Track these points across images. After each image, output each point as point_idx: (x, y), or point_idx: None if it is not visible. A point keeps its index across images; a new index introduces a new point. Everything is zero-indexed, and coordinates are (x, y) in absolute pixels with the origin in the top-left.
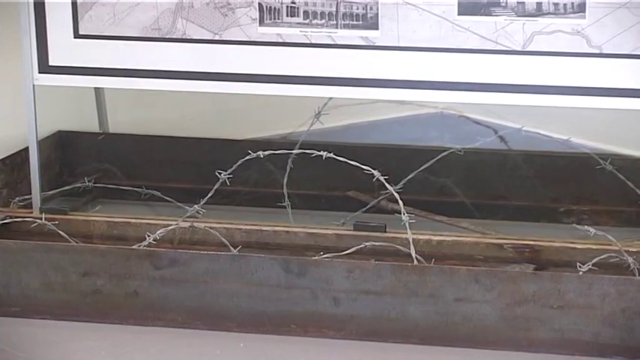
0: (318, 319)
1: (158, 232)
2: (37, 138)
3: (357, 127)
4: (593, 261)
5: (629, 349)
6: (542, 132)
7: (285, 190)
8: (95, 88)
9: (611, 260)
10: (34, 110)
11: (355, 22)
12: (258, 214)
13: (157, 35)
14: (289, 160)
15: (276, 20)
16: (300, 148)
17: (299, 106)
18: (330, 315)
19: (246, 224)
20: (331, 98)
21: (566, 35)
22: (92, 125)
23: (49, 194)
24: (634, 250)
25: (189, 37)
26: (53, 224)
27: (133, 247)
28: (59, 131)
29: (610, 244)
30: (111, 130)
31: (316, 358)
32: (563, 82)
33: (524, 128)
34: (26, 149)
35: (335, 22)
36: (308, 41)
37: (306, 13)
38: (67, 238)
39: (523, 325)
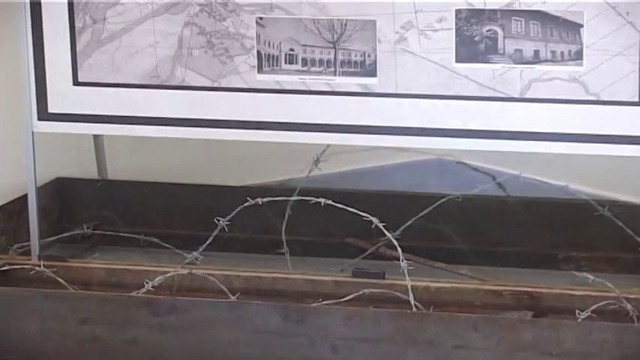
0: None
1: (157, 279)
2: (35, 185)
3: (355, 174)
4: (592, 308)
5: None
6: (540, 178)
7: (283, 237)
8: (94, 134)
9: (610, 307)
10: (33, 157)
11: (353, 70)
12: (257, 261)
13: (156, 83)
14: (288, 207)
15: (275, 67)
16: (298, 195)
17: (298, 152)
18: None
19: (245, 271)
20: (329, 145)
21: (563, 82)
22: (91, 172)
23: (48, 241)
24: (633, 296)
25: (188, 85)
26: (52, 271)
27: (132, 294)
28: (58, 178)
29: (609, 291)
30: (110, 177)
31: None
32: (561, 129)
33: (522, 175)
34: (25, 196)
35: (333, 69)
36: (306, 88)
37: (304, 60)
38: (66, 285)
39: None
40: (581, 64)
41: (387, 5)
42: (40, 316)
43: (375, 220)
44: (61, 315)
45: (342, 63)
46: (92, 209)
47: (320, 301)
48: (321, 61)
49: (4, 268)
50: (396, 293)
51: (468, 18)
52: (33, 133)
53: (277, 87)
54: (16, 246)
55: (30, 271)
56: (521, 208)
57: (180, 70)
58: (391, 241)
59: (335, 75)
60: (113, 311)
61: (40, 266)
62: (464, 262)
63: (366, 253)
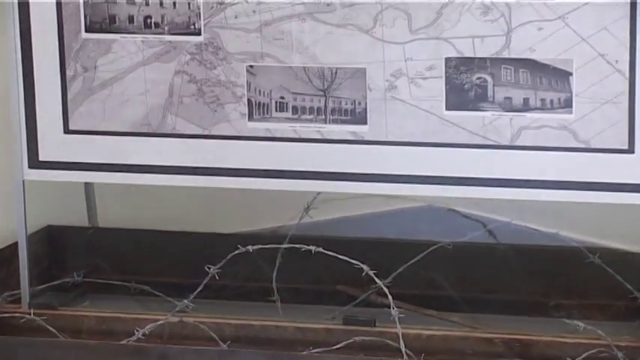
0: None
1: (147, 327)
2: (26, 233)
3: (346, 221)
4: (583, 356)
5: None
6: (530, 225)
7: (274, 285)
8: (85, 182)
9: (601, 355)
10: (24, 205)
11: (344, 117)
12: (248, 309)
13: (146, 130)
14: (278, 255)
15: (265, 115)
16: (289, 242)
17: (288, 199)
18: None
19: (236, 319)
20: (320, 192)
21: (553, 130)
22: (81, 219)
23: (38, 289)
24: (624, 344)
25: (178, 133)
26: (42, 319)
27: (122, 342)
28: (48, 226)
29: (600, 339)
30: (100, 225)
31: None
32: (551, 177)
33: (512, 222)
34: (15, 244)
35: (324, 116)
36: (297, 136)
37: (295, 108)
38: (56, 333)
39: None
40: (570, 112)
41: (377, 53)
42: None
43: (365, 267)
44: None
45: (333, 111)
46: (82, 257)
47: (311, 349)
48: (311, 109)
49: None
50: (387, 341)
51: (457, 66)
52: (24, 181)
53: (268, 134)
54: (6, 294)
55: (20, 320)
56: (512, 256)
57: (171, 117)
58: (382, 288)
59: (325, 123)
60: (104, 359)
61: (30, 314)
62: (455, 309)
63: (357, 301)
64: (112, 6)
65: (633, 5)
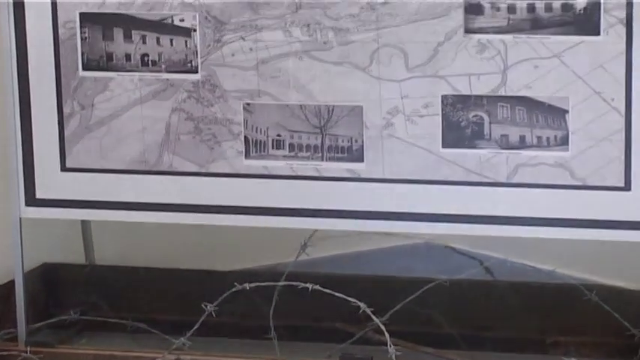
0: None
1: None
2: (23, 271)
3: (343, 258)
4: None
5: None
6: (527, 263)
7: (271, 322)
8: (82, 219)
9: None
10: (21, 244)
11: (340, 155)
12: (245, 346)
13: (143, 168)
14: (275, 292)
15: (262, 153)
16: (286, 280)
17: (285, 237)
18: None
19: (233, 356)
20: (317, 230)
21: (549, 167)
22: (78, 257)
23: (35, 327)
24: None
25: (175, 170)
26: (39, 357)
27: None
28: (45, 263)
29: None
30: (97, 262)
31: None
32: (548, 214)
33: (509, 259)
34: (12, 281)
35: (320, 154)
36: (294, 173)
37: (291, 145)
38: None
39: None
40: (567, 150)
41: (373, 91)
42: None
43: (362, 305)
44: None
45: (330, 148)
46: (79, 294)
47: None
48: (308, 147)
49: None
50: None
51: (454, 104)
52: (21, 218)
53: (265, 172)
54: (3, 332)
55: (17, 358)
56: (509, 293)
57: (168, 155)
58: (379, 326)
59: (322, 160)
60: None
61: (27, 352)
62: (452, 346)
63: (354, 338)
64: (110, 44)
65: (628, 43)
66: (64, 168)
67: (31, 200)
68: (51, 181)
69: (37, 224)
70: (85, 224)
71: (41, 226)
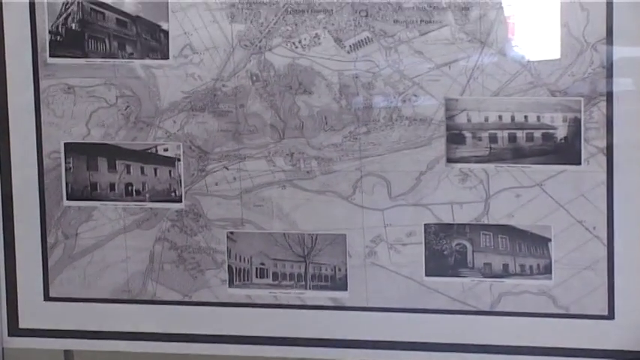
0: None
1: None
2: None
3: None
4: None
5: None
6: None
7: None
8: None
9: None
10: None
11: (324, 283)
12: None
13: (127, 297)
14: None
15: (246, 282)
16: None
17: None
18: None
19: None
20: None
21: (533, 296)
22: None
23: None
24: None
25: (159, 299)
26: None
27: None
28: None
29: None
30: None
31: None
32: (531, 342)
33: None
34: None
35: (304, 282)
36: (277, 302)
37: (275, 274)
38: None
39: None
40: (550, 278)
41: (356, 219)
42: None
43: None
44: None
45: (313, 277)
46: None
47: None
48: (291, 275)
49: None
50: None
51: (437, 232)
52: (3, 349)
53: (248, 301)
54: None
55: None
56: None
57: (152, 284)
58: None
59: (306, 289)
60: None
61: None
62: None
63: None
64: (94, 174)
65: (609, 172)
66: (47, 297)
67: (14, 330)
68: (34, 311)
69: (20, 353)
70: (67, 353)
71: (24, 356)
